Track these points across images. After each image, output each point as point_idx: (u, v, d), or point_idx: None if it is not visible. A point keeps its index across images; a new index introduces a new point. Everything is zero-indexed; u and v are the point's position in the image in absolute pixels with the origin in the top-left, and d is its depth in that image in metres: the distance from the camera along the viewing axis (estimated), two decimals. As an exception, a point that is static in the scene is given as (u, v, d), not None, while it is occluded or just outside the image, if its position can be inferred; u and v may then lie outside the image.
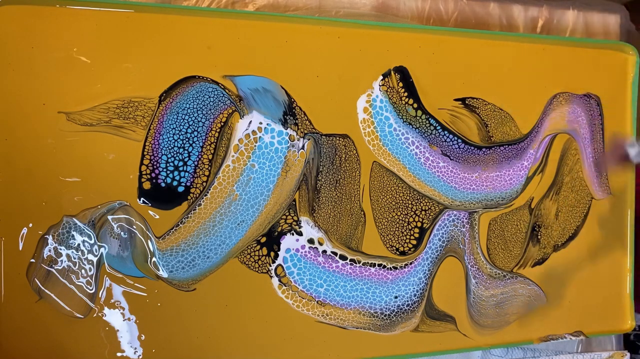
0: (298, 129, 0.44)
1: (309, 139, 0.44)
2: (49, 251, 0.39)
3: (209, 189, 0.42)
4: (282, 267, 0.44)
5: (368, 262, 0.46)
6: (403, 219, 0.46)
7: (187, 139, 0.41)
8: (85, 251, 0.40)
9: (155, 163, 0.41)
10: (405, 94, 0.46)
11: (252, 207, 0.43)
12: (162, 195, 0.41)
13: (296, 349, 0.44)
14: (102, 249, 0.40)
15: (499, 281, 0.50)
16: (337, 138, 0.45)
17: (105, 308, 0.40)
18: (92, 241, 0.40)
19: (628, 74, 0.52)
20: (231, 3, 0.46)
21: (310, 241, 0.44)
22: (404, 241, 0.46)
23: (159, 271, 0.41)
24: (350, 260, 0.45)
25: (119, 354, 0.40)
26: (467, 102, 0.48)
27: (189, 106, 0.41)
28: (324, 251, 0.45)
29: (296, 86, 0.43)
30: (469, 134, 0.48)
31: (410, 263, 0.47)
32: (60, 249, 0.39)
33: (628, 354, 0.55)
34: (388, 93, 0.46)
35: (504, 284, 0.50)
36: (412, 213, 0.47)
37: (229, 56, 0.42)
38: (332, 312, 0.45)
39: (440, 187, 0.47)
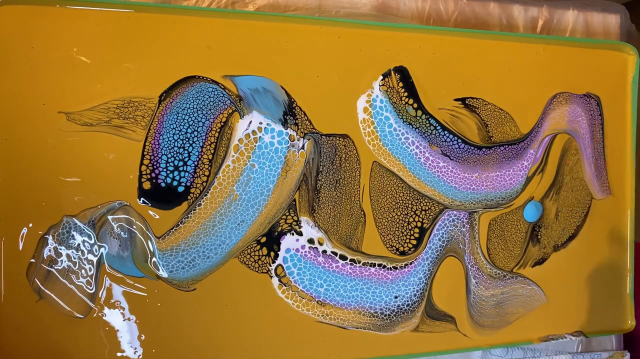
0: (298, 129, 0.44)
1: (309, 139, 0.44)
2: (49, 251, 0.39)
3: (209, 189, 0.42)
4: (282, 267, 0.44)
5: (368, 262, 0.46)
6: (403, 219, 0.46)
7: (187, 139, 0.41)
8: (85, 251, 0.40)
9: (155, 163, 0.41)
10: (405, 94, 0.46)
11: (252, 207, 0.43)
12: (162, 195, 0.41)
13: (296, 349, 0.44)
14: (102, 249, 0.40)
15: (499, 281, 0.50)
16: (337, 138, 0.45)
17: (105, 308, 0.40)
18: (92, 241, 0.40)
19: (628, 74, 0.53)
20: (231, 3, 0.46)
21: (310, 241, 0.44)
22: (404, 241, 0.46)
23: (159, 271, 0.41)
24: (350, 260, 0.45)
25: (119, 354, 0.40)
26: (467, 102, 0.48)
27: (189, 106, 0.41)
28: (324, 251, 0.45)
29: (296, 86, 0.43)
30: (469, 134, 0.48)
31: (410, 263, 0.47)
32: (60, 249, 0.39)
33: (628, 354, 0.55)
34: (388, 93, 0.46)
35: (504, 284, 0.50)
36: (412, 213, 0.47)
37: (229, 56, 0.42)
38: (332, 312, 0.45)
39: (440, 187, 0.47)
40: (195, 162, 0.41)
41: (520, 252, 0.50)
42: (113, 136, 0.40)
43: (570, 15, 0.55)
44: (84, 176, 0.39)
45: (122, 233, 0.40)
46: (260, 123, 0.43)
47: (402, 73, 0.46)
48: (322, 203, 0.44)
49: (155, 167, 0.41)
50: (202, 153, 0.42)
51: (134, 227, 0.40)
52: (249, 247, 0.43)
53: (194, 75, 0.41)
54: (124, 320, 0.40)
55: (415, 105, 0.46)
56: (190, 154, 0.41)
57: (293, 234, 0.44)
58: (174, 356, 0.41)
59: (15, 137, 0.38)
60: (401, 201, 0.46)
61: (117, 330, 0.40)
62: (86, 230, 0.40)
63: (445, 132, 0.47)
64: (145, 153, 0.40)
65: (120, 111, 0.40)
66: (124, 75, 0.40)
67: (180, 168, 0.41)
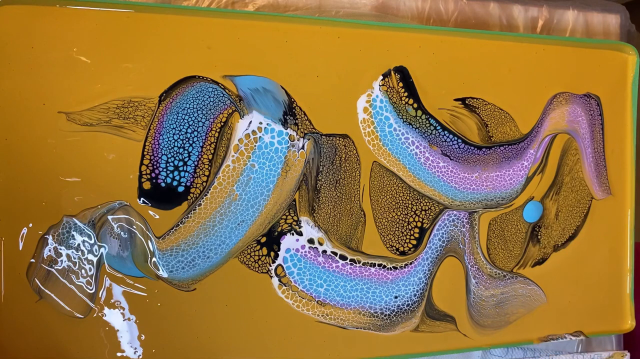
0: (298, 129, 0.44)
1: (309, 139, 0.44)
2: (49, 251, 0.39)
3: (209, 189, 0.42)
4: (282, 267, 0.44)
5: (368, 262, 0.46)
6: (403, 219, 0.46)
7: (187, 139, 0.41)
8: (85, 251, 0.40)
9: (155, 163, 0.41)
10: (405, 94, 0.46)
11: (252, 207, 0.43)
12: (162, 195, 0.41)
13: (296, 349, 0.44)
14: (102, 249, 0.40)
15: (499, 281, 0.50)
16: (337, 138, 0.45)
17: (105, 308, 0.40)
18: (92, 241, 0.40)
19: (628, 74, 0.52)
20: (231, 3, 0.46)
21: (310, 241, 0.44)
22: (404, 241, 0.46)
23: (159, 271, 0.41)
24: (350, 260, 0.45)
25: (119, 354, 0.40)
26: (467, 102, 0.48)
27: (189, 106, 0.41)
28: (324, 251, 0.45)
29: (296, 86, 0.43)
30: (469, 134, 0.48)
31: (410, 263, 0.47)
32: (60, 249, 0.39)
33: (628, 354, 0.55)
34: (388, 93, 0.46)
35: (504, 284, 0.50)
36: (412, 213, 0.47)
37: (229, 56, 0.42)
38: (332, 312, 0.45)
39: (440, 187, 0.47)
40: (195, 162, 0.41)
41: (520, 252, 0.50)
42: (113, 136, 0.40)
43: (570, 15, 0.55)
44: (84, 176, 0.39)
45: (122, 233, 0.40)
46: (260, 123, 0.43)
47: (402, 73, 0.46)
48: (322, 203, 0.44)
49: (155, 167, 0.41)
50: (202, 153, 0.42)
51: (134, 227, 0.40)
52: (249, 247, 0.43)
53: (194, 75, 0.41)
54: (124, 320, 0.40)
55: (415, 105, 0.46)
56: (190, 154, 0.41)
57: (293, 234, 0.44)
58: (174, 356, 0.41)
59: (15, 137, 0.38)
60: (401, 201, 0.46)
61: (117, 330, 0.40)
62: (86, 230, 0.40)
63: (445, 132, 0.47)
64: (145, 153, 0.40)
65: (120, 111, 0.40)
66: (124, 75, 0.40)
67: (180, 168, 0.41)
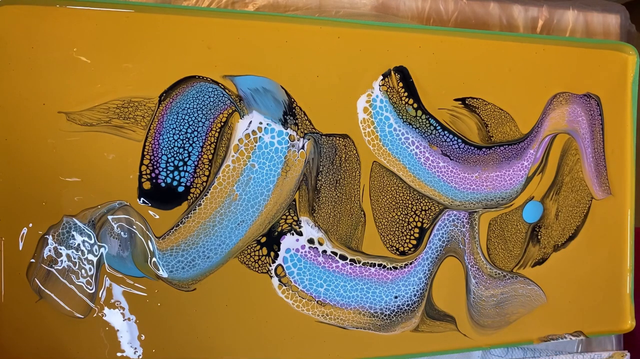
0: (298, 129, 0.44)
1: (309, 139, 0.44)
2: (49, 251, 0.39)
3: (209, 189, 0.42)
4: (282, 267, 0.44)
5: (368, 262, 0.46)
6: (403, 219, 0.46)
7: (187, 139, 0.41)
8: (85, 251, 0.40)
9: (155, 163, 0.41)
10: (405, 94, 0.46)
11: (252, 207, 0.43)
12: (162, 195, 0.41)
13: (296, 349, 0.44)
14: (102, 249, 0.40)
15: (499, 281, 0.50)
16: (337, 138, 0.45)
17: (105, 308, 0.40)
18: (92, 241, 0.40)
19: (628, 74, 0.52)
20: (231, 3, 0.46)
21: (310, 241, 0.44)
22: (404, 241, 0.46)
23: (159, 271, 0.41)
24: (350, 260, 0.45)
25: (119, 354, 0.40)
26: (467, 102, 0.48)
27: (189, 106, 0.41)
28: (324, 251, 0.45)
29: (296, 86, 0.43)
30: (469, 134, 0.48)
31: (410, 263, 0.47)
32: (60, 249, 0.39)
33: (628, 354, 0.55)
34: (388, 93, 0.46)
35: (504, 284, 0.50)
36: (412, 213, 0.47)
37: (229, 56, 0.42)
38: (332, 312, 0.45)
39: (440, 187, 0.47)
40: (195, 162, 0.41)
41: (520, 252, 0.50)
42: (113, 136, 0.40)
43: (570, 15, 0.55)
44: (84, 176, 0.39)
45: (122, 233, 0.40)
46: (260, 123, 0.43)
47: (402, 73, 0.46)
48: (322, 203, 0.44)
49: (155, 167, 0.41)
50: (202, 153, 0.42)
51: (134, 227, 0.40)
52: (249, 247, 0.43)
53: (194, 75, 0.41)
54: (124, 320, 0.40)
55: (415, 105, 0.46)
56: (190, 154, 0.41)
57: (293, 234, 0.44)
58: (174, 356, 0.41)
59: (15, 137, 0.38)
60: (401, 201, 0.46)
61: (117, 330, 0.40)
62: (86, 230, 0.40)
63: (445, 132, 0.47)
64: (145, 153, 0.40)
65: (120, 111, 0.40)
66: (124, 75, 0.40)
67: (180, 168, 0.41)
